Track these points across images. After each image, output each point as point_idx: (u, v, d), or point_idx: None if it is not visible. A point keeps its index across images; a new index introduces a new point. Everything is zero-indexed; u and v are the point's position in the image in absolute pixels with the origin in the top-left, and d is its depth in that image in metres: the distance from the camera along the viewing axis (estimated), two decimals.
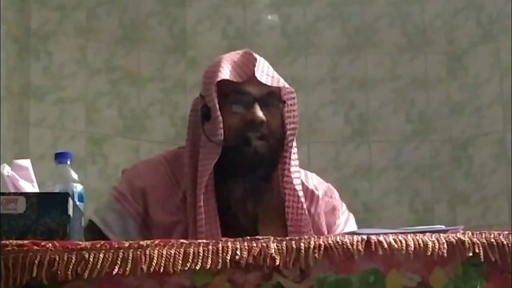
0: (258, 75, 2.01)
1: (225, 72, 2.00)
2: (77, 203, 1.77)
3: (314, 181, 2.16)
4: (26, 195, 1.59)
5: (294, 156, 2.06)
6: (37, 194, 1.63)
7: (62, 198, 1.59)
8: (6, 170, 1.81)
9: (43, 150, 3.98)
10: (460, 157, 4.46)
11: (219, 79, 1.99)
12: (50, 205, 1.57)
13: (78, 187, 1.87)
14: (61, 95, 4.23)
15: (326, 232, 2.08)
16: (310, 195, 2.11)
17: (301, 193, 2.04)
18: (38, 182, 1.86)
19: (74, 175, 1.89)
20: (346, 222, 2.14)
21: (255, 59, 2.05)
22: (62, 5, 4.28)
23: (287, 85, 2.08)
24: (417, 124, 4.52)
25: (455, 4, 4.54)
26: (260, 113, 1.99)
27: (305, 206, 2.03)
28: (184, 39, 4.57)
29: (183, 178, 2.03)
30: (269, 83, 2.03)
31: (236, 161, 1.97)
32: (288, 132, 2.06)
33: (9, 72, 3.97)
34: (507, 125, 4.33)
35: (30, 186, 1.82)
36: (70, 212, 1.58)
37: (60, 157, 1.91)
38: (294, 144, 2.07)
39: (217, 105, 1.97)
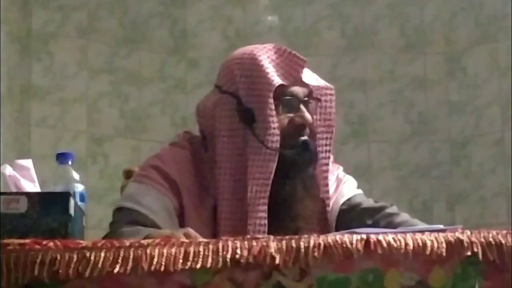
0: (304, 77, 2.01)
1: (275, 76, 1.96)
2: (79, 203, 1.78)
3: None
4: (28, 194, 1.60)
5: (328, 154, 2.05)
6: (39, 194, 1.64)
7: (63, 197, 1.60)
8: (8, 170, 1.82)
9: (45, 150, 3.99)
10: (459, 157, 4.46)
11: (276, 84, 1.95)
12: (51, 205, 1.57)
13: (79, 187, 1.88)
14: (62, 95, 4.23)
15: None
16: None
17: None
18: (40, 182, 1.86)
19: (76, 175, 1.90)
20: (338, 182, 2.12)
21: (304, 62, 2.01)
22: (63, 6, 4.28)
23: (326, 83, 2.06)
24: (416, 124, 4.52)
25: (454, 5, 4.55)
26: (309, 116, 1.99)
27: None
28: (184, 40, 4.58)
29: (210, 182, 1.97)
30: (314, 84, 2.03)
31: (296, 164, 1.96)
32: (323, 129, 2.04)
33: (10, 73, 3.97)
34: (505, 125, 4.33)
35: (31, 186, 1.83)
36: (72, 211, 1.59)
37: (62, 157, 1.92)
38: (328, 142, 2.05)
39: (274, 111, 1.95)
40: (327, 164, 2.05)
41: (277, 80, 1.96)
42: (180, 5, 4.59)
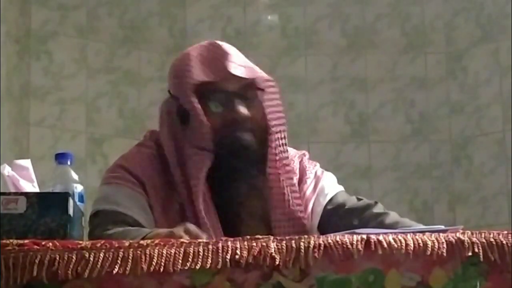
0: (232, 69, 1.90)
1: (198, 72, 1.91)
2: (78, 203, 1.77)
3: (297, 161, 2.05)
4: (27, 195, 1.59)
5: (281, 149, 1.94)
6: (38, 194, 1.63)
7: (62, 198, 1.59)
8: (7, 170, 1.81)
9: (43, 150, 3.98)
10: (460, 157, 4.46)
11: (193, 81, 1.90)
12: (50, 205, 1.57)
13: (78, 188, 1.87)
14: (61, 95, 4.23)
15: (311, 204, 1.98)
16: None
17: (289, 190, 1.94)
18: (39, 182, 1.86)
19: (75, 176, 1.89)
20: (317, 179, 2.02)
21: (226, 53, 1.92)
22: (62, 5, 4.28)
23: (264, 74, 1.95)
24: (416, 124, 4.52)
25: (455, 5, 4.55)
26: (243, 110, 1.90)
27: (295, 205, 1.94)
28: (184, 40, 4.57)
29: (177, 184, 1.92)
30: (244, 76, 1.92)
31: (233, 163, 1.85)
32: (273, 123, 1.94)
33: (9, 72, 3.97)
34: (506, 125, 4.33)
35: (30, 186, 1.82)
36: (71, 212, 1.58)
37: (61, 157, 1.92)
38: (282, 135, 1.95)
39: (200, 109, 1.88)
40: (287, 158, 1.95)
41: (198, 78, 1.90)
42: (179, 4, 4.59)
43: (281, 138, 1.95)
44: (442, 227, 1.60)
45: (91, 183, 4.08)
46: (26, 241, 1.44)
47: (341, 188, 2.05)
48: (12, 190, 1.78)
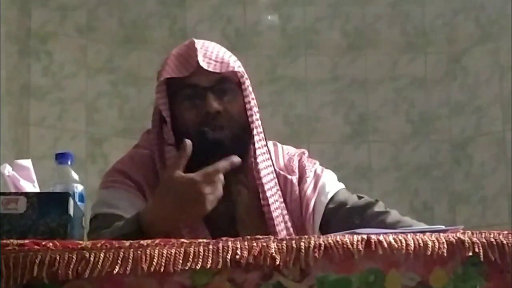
0: (203, 63, 1.89)
1: (169, 69, 1.91)
2: (78, 203, 1.77)
3: (286, 158, 2.04)
4: (27, 195, 1.59)
5: (259, 144, 1.94)
6: (38, 194, 1.63)
7: (62, 198, 1.59)
8: (7, 170, 1.81)
9: (44, 150, 3.98)
10: (460, 157, 4.46)
11: (162, 78, 1.91)
12: (50, 205, 1.57)
13: (78, 188, 1.87)
14: (62, 95, 4.23)
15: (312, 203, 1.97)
16: (283, 181, 1.99)
17: (269, 186, 1.94)
18: (39, 182, 1.86)
19: (75, 176, 1.89)
20: (317, 178, 2.01)
21: (196, 48, 1.92)
22: (62, 5, 4.28)
23: (237, 69, 1.93)
24: (416, 124, 4.52)
25: (455, 5, 4.55)
26: (213, 103, 1.88)
27: (274, 200, 1.93)
28: (184, 40, 4.54)
29: None
30: (217, 70, 1.90)
31: (197, 158, 1.77)
32: (249, 119, 1.93)
33: (9, 72, 3.97)
34: (506, 125, 4.33)
35: (31, 186, 1.82)
36: (71, 212, 1.58)
37: (61, 157, 1.92)
38: (259, 130, 1.95)
39: (167, 105, 1.90)
40: (262, 146, 1.95)
41: (167, 75, 1.91)
42: (179, 4, 4.59)
43: (256, 127, 1.94)
44: (442, 227, 1.60)
45: (92, 183, 4.08)
46: (26, 241, 1.44)
47: (341, 185, 2.05)
48: (13, 190, 1.78)
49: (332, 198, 1.99)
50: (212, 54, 1.93)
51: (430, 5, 4.58)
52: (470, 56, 4.50)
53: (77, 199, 1.81)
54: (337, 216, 1.96)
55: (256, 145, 1.95)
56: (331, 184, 2.02)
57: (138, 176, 1.94)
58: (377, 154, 4.48)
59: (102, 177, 2.03)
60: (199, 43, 1.95)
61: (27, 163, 1.86)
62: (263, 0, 4.67)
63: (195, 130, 1.88)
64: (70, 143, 4.14)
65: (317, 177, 2.02)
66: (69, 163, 1.91)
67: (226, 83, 1.92)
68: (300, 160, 2.05)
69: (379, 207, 1.97)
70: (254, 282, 1.43)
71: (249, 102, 1.95)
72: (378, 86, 4.53)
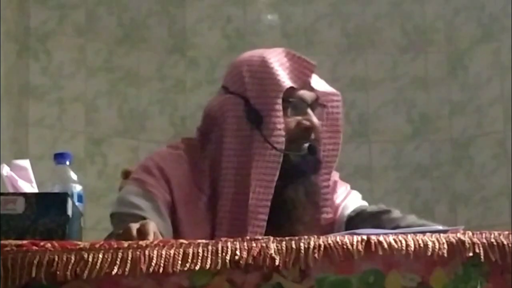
0: (313, 83, 2.04)
1: (284, 78, 1.98)
2: (76, 203, 1.77)
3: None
4: (25, 195, 1.59)
5: (334, 159, 2.10)
6: (36, 195, 1.63)
7: (61, 198, 1.59)
8: (5, 170, 1.81)
9: (42, 150, 3.98)
10: (461, 157, 4.46)
11: (285, 86, 1.97)
12: (49, 205, 1.56)
13: (77, 188, 1.87)
14: (60, 95, 4.23)
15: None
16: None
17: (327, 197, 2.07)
18: (37, 183, 1.86)
19: (73, 176, 1.89)
20: (347, 194, 2.14)
21: (313, 66, 2.05)
22: (61, 5, 4.28)
23: (333, 89, 2.10)
24: (417, 124, 4.52)
25: (456, 4, 4.55)
26: (316, 120, 2.01)
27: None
28: (183, 39, 4.57)
29: (204, 180, 1.99)
30: (321, 90, 2.05)
31: (299, 168, 1.97)
32: (330, 135, 2.08)
33: (8, 72, 3.97)
34: (507, 125, 4.33)
35: (29, 187, 1.82)
36: (69, 212, 1.58)
37: (59, 157, 1.91)
38: (336, 147, 2.11)
39: (281, 112, 1.97)
40: (330, 173, 2.07)
41: (287, 82, 1.98)
42: (179, 4, 4.58)
43: (333, 150, 2.11)
44: (441, 227, 1.60)
45: (90, 183, 4.09)
46: (24, 241, 1.44)
47: (365, 203, 2.16)
48: (11, 190, 1.78)
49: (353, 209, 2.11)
50: (315, 74, 2.08)
51: (430, 4, 4.58)
52: (471, 56, 4.50)
53: (75, 199, 1.81)
54: (356, 221, 2.03)
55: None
56: (356, 203, 2.13)
57: (165, 171, 1.97)
58: (377, 154, 4.48)
59: (133, 172, 2.04)
60: (312, 62, 2.07)
61: (25, 163, 1.86)
62: (263, 0, 4.66)
63: (297, 139, 1.99)
64: (69, 143, 4.14)
65: (347, 193, 2.15)
66: (68, 163, 1.91)
67: (317, 103, 2.05)
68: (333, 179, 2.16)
69: (396, 214, 2.05)
70: (253, 283, 1.43)
71: (340, 119, 2.13)
72: (378, 86, 4.53)
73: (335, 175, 2.16)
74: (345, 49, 4.56)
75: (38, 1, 4.22)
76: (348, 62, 4.56)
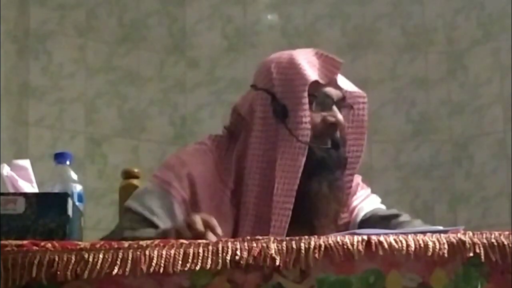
0: (341, 83, 2.07)
1: (311, 73, 2.01)
2: (77, 203, 1.77)
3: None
4: (25, 195, 1.59)
5: (358, 160, 2.11)
6: (36, 194, 1.63)
7: (61, 198, 1.59)
8: (6, 170, 1.81)
9: (42, 150, 3.98)
10: (461, 157, 4.46)
11: (311, 79, 1.99)
12: (49, 206, 1.56)
13: (77, 187, 1.87)
14: (60, 95, 4.23)
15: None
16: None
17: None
18: (37, 182, 1.85)
19: (74, 176, 1.89)
20: (366, 197, 2.16)
21: (339, 63, 2.09)
22: (61, 5, 4.28)
23: (360, 90, 2.13)
24: (417, 124, 4.52)
25: (456, 4, 4.55)
26: (341, 117, 2.03)
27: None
28: (183, 39, 4.57)
29: (229, 175, 2.01)
30: (348, 89, 2.09)
31: (324, 162, 1.98)
32: (355, 136, 2.10)
33: (8, 72, 3.97)
34: (507, 125, 4.33)
35: (29, 186, 1.82)
36: (70, 212, 1.58)
37: (59, 157, 1.91)
38: (360, 148, 2.11)
39: (308, 107, 1.98)
40: (353, 174, 2.10)
41: (313, 76, 2.00)
42: (179, 3, 4.58)
43: (357, 151, 2.12)
44: (441, 228, 1.60)
45: (90, 183, 4.09)
46: (25, 241, 1.44)
47: (383, 207, 2.18)
48: (11, 190, 1.78)
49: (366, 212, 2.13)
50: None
51: (430, 4, 4.58)
52: (471, 56, 4.50)
53: (76, 199, 1.81)
54: (367, 225, 2.04)
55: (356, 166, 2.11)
56: (372, 202, 2.17)
57: (188, 165, 1.98)
58: (377, 154, 4.48)
59: (158, 169, 2.05)
60: (339, 60, 2.11)
61: (25, 163, 1.86)
62: (263, 0, 4.66)
63: (322, 134, 2.00)
64: (69, 143, 4.14)
65: (366, 196, 2.18)
66: (68, 163, 1.91)
67: (343, 102, 2.08)
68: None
69: (405, 218, 2.08)
70: (254, 283, 1.43)
71: (363, 121, 2.16)
72: (378, 86, 4.53)
73: (358, 178, 2.18)
74: (345, 49, 4.55)
75: (38, 1, 4.22)
76: (348, 62, 4.52)
